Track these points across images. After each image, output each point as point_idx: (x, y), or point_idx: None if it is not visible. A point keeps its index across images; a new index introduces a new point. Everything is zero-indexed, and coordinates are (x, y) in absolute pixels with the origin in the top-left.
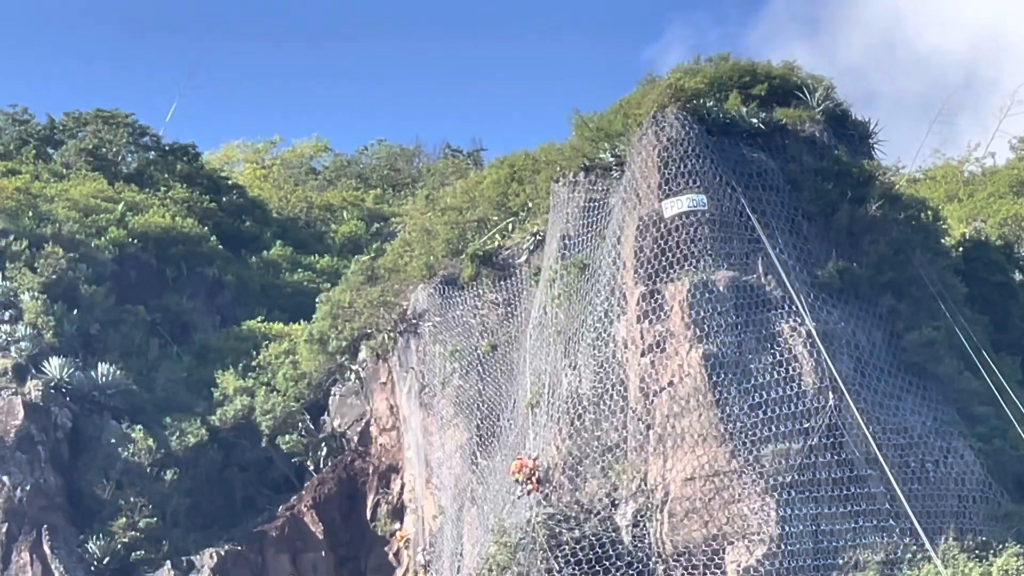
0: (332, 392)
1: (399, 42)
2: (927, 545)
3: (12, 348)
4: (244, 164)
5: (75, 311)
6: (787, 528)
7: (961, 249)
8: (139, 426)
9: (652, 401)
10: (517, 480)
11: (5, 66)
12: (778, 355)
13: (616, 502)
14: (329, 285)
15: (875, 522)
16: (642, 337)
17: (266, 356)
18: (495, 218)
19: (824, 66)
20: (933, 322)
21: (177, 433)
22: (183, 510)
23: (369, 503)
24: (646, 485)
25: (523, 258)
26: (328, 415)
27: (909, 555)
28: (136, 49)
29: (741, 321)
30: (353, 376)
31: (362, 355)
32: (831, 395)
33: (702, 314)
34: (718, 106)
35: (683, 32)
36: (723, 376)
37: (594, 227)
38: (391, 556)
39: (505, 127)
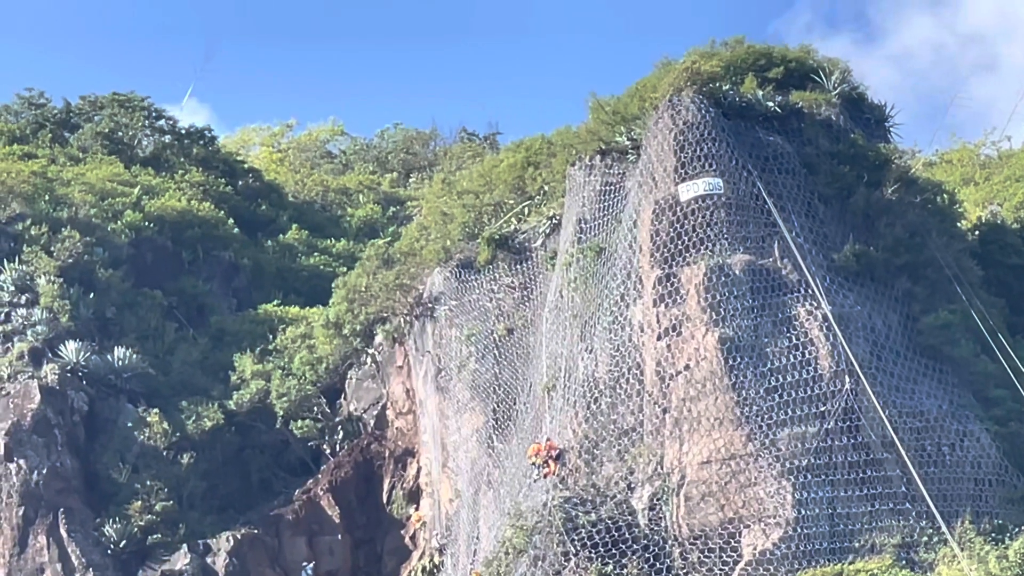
0: (348, 376)
1: (415, 25)
2: (943, 528)
3: (29, 332)
4: (260, 148)
5: (91, 295)
6: (803, 511)
7: (977, 232)
8: (155, 409)
9: (668, 385)
10: (534, 463)
11: (21, 50)
12: (794, 339)
13: (632, 485)
14: (345, 269)
15: (891, 505)
16: (658, 321)
17: (282, 340)
18: (511, 202)
19: (946, 34)
20: (949, 305)
21: (193, 416)
22: (199, 493)
23: (385, 486)
24: (662, 468)
25: (539, 242)
26: (344, 399)
27: (925, 538)
28: (152, 32)
29: (757, 305)
30: (369, 360)
31: (378, 339)
32: (847, 378)
33: (718, 298)
34: (734, 89)
35: (813, 1)
36: (739, 360)
37: (610, 211)
38: (407, 539)
39: (521, 111)
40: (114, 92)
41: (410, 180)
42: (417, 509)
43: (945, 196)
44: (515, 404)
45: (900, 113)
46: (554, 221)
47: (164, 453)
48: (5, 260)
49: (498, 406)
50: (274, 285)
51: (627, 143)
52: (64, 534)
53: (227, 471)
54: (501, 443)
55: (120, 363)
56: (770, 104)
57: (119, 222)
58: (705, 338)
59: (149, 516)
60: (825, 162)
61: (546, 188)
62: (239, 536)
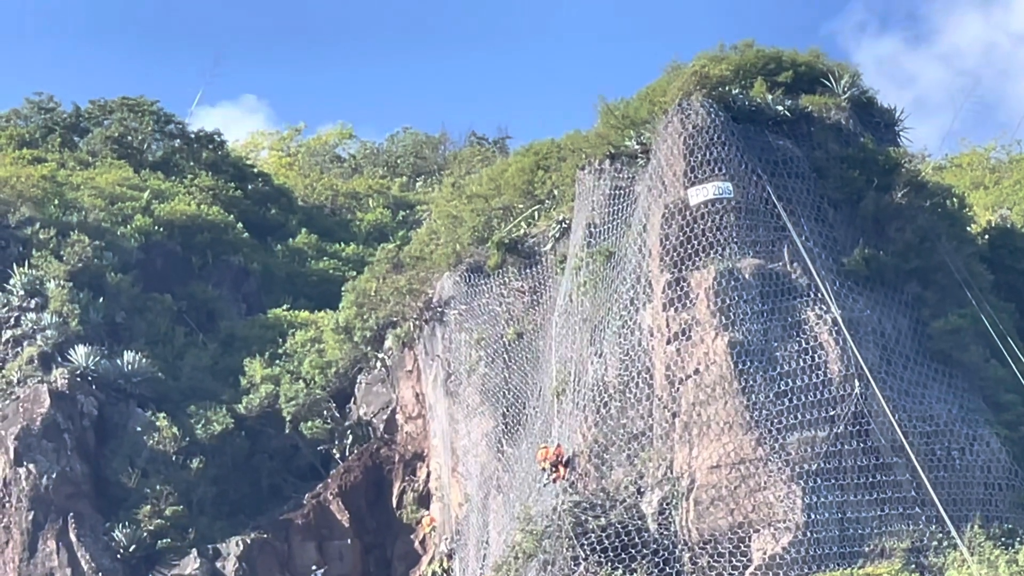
0: (358, 380)
1: (424, 29)
2: (953, 533)
3: (38, 336)
4: (269, 152)
5: (101, 299)
6: (813, 516)
7: (987, 237)
8: (164, 414)
9: (678, 389)
10: (543, 468)
11: (31, 54)
12: (804, 343)
13: (642, 490)
14: (355, 273)
15: (901, 510)
16: (668, 325)
17: (292, 344)
18: (521, 206)
19: (998, 33)
20: (959, 310)
21: (203, 421)
22: (209, 498)
23: (395, 491)
24: (672, 473)
25: (549, 246)
26: (354, 403)
27: (935, 543)
28: (161, 37)
29: (767, 309)
30: (379, 364)
31: (388, 343)
32: (857, 383)
33: (728, 302)
34: (743, 93)
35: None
36: (749, 364)
37: (620, 215)
38: (417, 544)
39: (531, 115)
40: (123, 96)
41: (419, 184)
42: (427, 513)
43: (955, 200)
44: (525, 408)
45: (946, 112)
46: (564, 225)
47: (173, 458)
48: (15, 264)
49: (508, 410)
50: (283, 289)
51: (636, 147)
52: (74, 539)
53: (236, 475)
54: (511, 447)
55: (130, 368)
56: (780, 108)
57: (128, 226)
58: (715, 342)
59: (159, 521)
60: (835, 166)
61: (556, 192)
62: (248, 541)
